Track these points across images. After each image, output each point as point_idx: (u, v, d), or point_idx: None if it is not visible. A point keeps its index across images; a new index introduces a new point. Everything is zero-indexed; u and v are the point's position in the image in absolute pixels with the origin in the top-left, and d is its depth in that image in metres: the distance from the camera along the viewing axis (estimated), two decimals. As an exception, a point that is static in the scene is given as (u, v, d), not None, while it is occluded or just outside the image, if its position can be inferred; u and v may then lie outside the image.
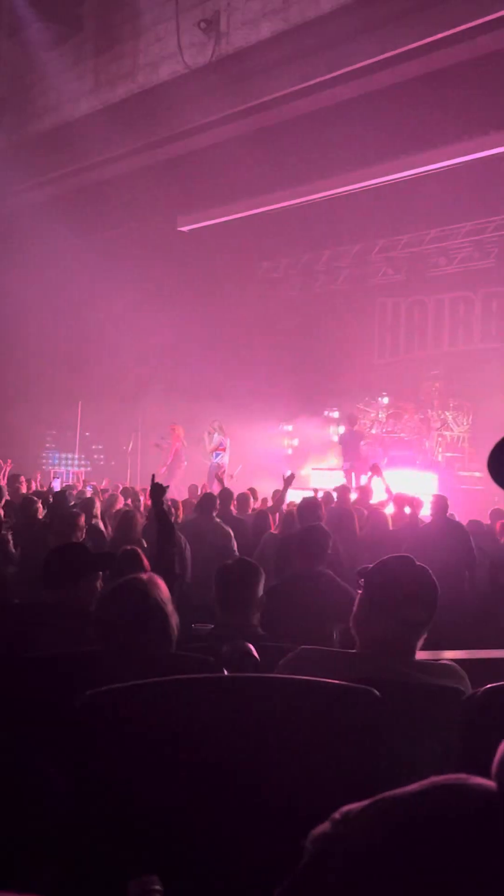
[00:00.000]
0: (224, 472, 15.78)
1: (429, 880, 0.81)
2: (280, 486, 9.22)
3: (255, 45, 11.58)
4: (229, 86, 12.01)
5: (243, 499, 9.74)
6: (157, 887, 1.17)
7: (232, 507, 9.17)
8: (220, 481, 11.06)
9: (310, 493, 11.11)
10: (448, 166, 13.45)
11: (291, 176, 14.67)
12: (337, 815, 0.91)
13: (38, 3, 13.81)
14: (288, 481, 9.00)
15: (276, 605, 4.27)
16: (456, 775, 0.90)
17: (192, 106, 12.38)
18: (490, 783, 0.89)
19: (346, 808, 0.91)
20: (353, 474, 14.78)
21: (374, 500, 9.65)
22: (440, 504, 8.07)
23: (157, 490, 5.10)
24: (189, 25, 12.26)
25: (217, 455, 16.09)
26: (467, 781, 0.89)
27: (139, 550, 4.92)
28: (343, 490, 10.50)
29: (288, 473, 9.41)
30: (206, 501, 8.02)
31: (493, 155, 12.97)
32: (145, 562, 4.74)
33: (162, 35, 12.90)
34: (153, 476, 5.57)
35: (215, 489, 14.39)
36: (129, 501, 10.47)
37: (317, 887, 0.88)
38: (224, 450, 16.10)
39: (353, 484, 14.29)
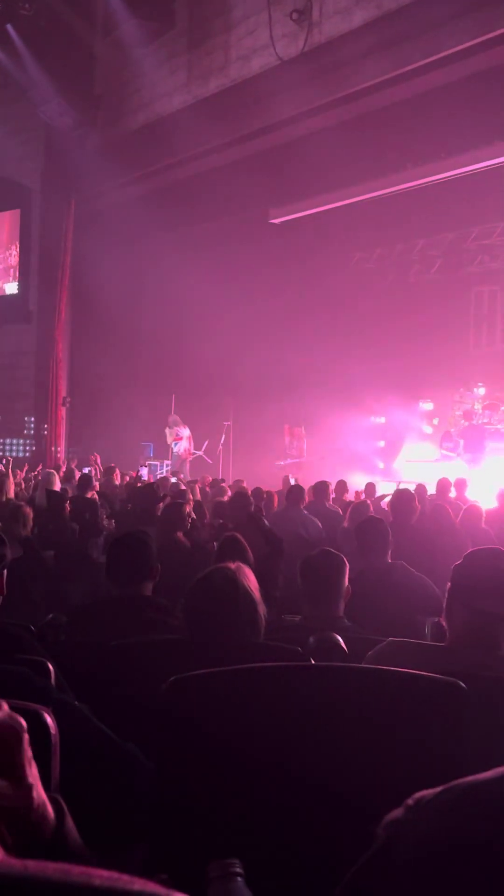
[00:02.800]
0: (188, 460, 17.19)
1: (500, 867, 0.80)
2: (371, 480, 9.28)
3: (347, 33, 11.50)
4: (321, 76, 11.95)
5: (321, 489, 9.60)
6: (238, 869, 1.18)
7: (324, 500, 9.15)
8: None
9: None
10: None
11: (384, 165, 14.51)
12: (410, 800, 0.91)
13: (131, 1, 14.01)
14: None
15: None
16: (532, 765, 0.89)
17: (283, 97, 12.37)
18: None
19: (419, 794, 0.91)
20: (472, 468, 14.59)
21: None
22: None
23: (257, 518, 5.22)
24: (281, 16, 12.25)
25: (176, 444, 17.56)
26: None
27: (240, 537, 4.86)
28: (443, 483, 10.22)
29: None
30: (295, 493, 8.01)
31: None
32: (249, 552, 4.68)
33: (253, 27, 12.93)
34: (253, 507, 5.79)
35: (186, 473, 15.38)
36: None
37: (387, 872, 0.88)
38: (181, 439, 17.63)
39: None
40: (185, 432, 17.71)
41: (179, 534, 6.65)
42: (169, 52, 14.64)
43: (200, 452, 18.20)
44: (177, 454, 17.55)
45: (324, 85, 12.09)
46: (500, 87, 11.46)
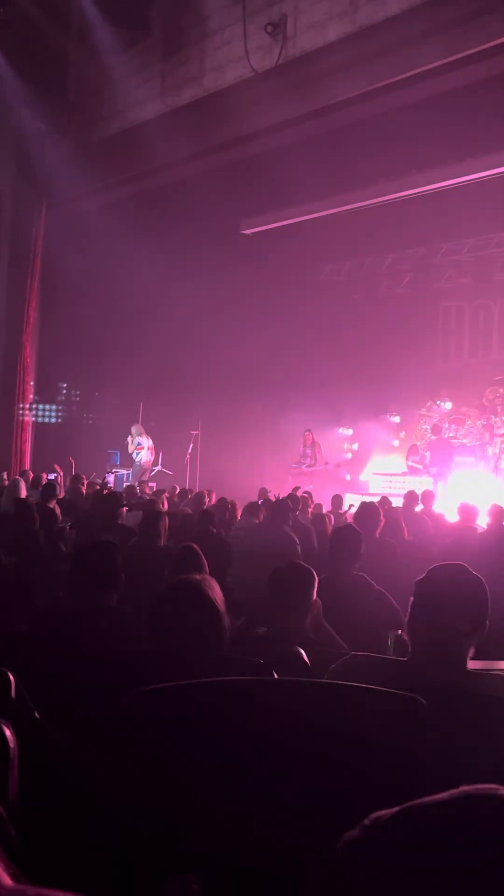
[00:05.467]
0: (147, 471, 17.28)
1: (453, 889, 0.81)
2: (339, 492, 9.31)
3: (321, 48, 11.57)
4: (295, 89, 12.00)
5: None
6: (196, 886, 1.18)
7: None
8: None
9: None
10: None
11: (355, 179, 14.61)
12: (367, 820, 0.91)
13: (107, 8, 13.99)
14: None
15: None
16: (488, 785, 0.89)
17: (257, 110, 12.40)
18: None
19: (376, 814, 0.92)
20: (438, 482, 14.68)
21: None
22: (497, 513, 7.97)
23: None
24: (256, 29, 12.30)
25: (137, 454, 17.59)
26: (498, 792, 0.88)
27: (196, 548, 4.81)
28: (409, 496, 10.32)
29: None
30: (281, 509, 7.90)
31: None
32: (204, 561, 4.65)
33: (228, 39, 12.97)
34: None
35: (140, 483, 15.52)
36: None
37: (342, 892, 0.88)
38: (142, 448, 17.63)
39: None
40: (147, 443, 17.71)
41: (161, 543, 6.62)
42: (143, 61, 14.63)
43: (159, 467, 18.16)
44: (138, 464, 17.52)
45: (297, 99, 12.14)
46: (472, 105, 11.60)
